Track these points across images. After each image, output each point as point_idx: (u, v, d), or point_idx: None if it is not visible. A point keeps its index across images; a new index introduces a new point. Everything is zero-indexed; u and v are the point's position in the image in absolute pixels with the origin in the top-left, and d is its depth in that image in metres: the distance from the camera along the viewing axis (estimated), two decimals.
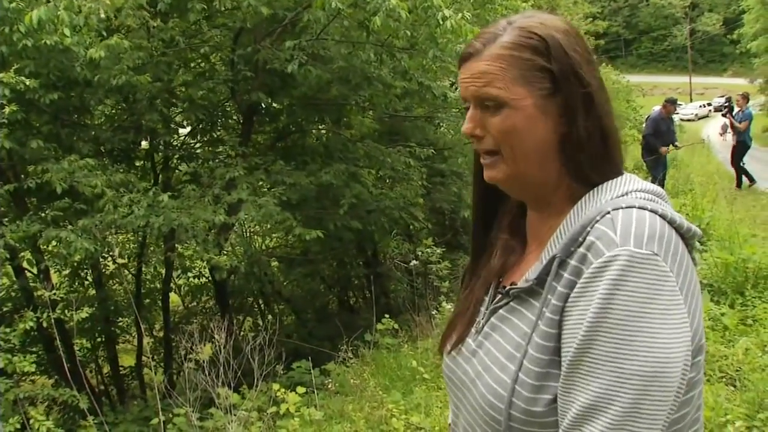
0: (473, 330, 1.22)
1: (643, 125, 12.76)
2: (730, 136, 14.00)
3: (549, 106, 1.09)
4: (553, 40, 1.08)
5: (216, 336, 9.67)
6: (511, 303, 1.14)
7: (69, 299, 9.64)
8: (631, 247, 0.96)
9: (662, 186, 10.80)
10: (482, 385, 1.12)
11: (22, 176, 7.25)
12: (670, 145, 11.91)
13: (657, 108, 12.19)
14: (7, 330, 5.80)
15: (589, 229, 1.02)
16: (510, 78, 1.08)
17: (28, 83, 5.95)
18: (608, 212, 1.01)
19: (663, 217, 1.01)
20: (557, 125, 1.09)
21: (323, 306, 12.93)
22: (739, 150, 13.78)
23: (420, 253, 7.34)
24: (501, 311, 1.16)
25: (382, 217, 9.52)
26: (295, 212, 8.53)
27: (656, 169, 11.35)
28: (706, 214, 8.30)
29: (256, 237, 12.22)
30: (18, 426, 5.20)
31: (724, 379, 4.27)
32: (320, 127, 10.20)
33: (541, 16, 1.13)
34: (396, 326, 7.03)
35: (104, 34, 6.68)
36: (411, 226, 10.67)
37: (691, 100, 53.50)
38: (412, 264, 7.68)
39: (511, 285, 1.16)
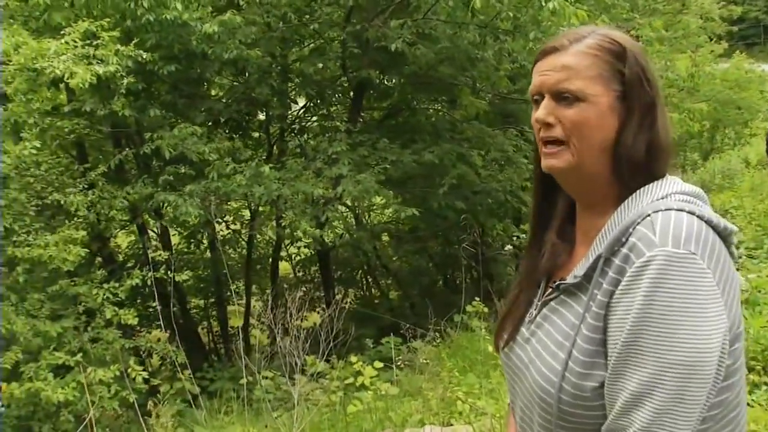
0: (527, 320, 1.33)
1: None
2: None
3: (617, 107, 1.18)
4: (629, 49, 1.20)
5: (318, 307, 9.97)
6: (561, 296, 1.25)
7: (185, 260, 10.28)
8: (669, 247, 1.05)
9: None
10: (535, 371, 1.23)
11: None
12: None
13: None
14: (116, 285, 6.24)
15: (630, 230, 1.11)
16: (591, 75, 1.18)
17: (145, 56, 6.31)
18: (648, 215, 1.11)
19: (700, 217, 1.10)
20: (617, 127, 1.18)
21: (430, 284, 12.98)
22: None
23: (515, 239, 7.23)
24: (552, 303, 1.27)
25: (489, 198, 9.45)
26: (399, 190, 8.63)
27: None
28: None
29: (368, 212, 12.42)
30: (117, 373, 5.63)
31: None
32: (431, 107, 10.20)
33: (620, 32, 1.25)
34: (486, 309, 7.00)
35: (211, 10, 6.97)
36: (521, 210, 10.51)
37: None
38: (506, 249, 7.58)
39: (561, 280, 1.26)
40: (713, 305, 1.04)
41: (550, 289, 1.29)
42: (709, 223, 1.11)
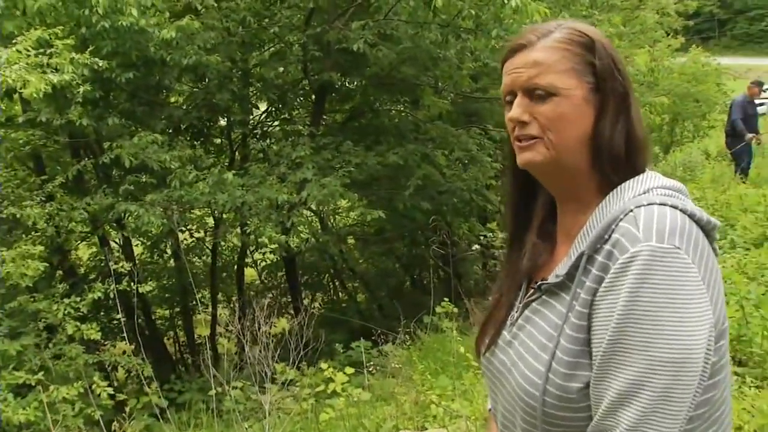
0: (508, 323, 1.30)
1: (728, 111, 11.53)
2: None
3: (592, 99, 1.17)
4: (598, 41, 1.20)
5: (285, 313, 9.86)
6: (543, 297, 1.22)
7: (149, 270, 10.12)
8: (653, 242, 1.02)
9: (746, 174, 10.24)
10: (518, 374, 1.20)
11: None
12: (755, 136, 10.77)
13: (741, 94, 11.12)
14: (77, 299, 6.09)
15: (613, 226, 1.09)
16: (563, 69, 1.17)
17: (101, 64, 6.16)
18: (631, 210, 1.08)
19: (683, 211, 1.08)
20: (593, 119, 1.17)
21: (397, 285, 12.97)
22: None
23: (482, 238, 7.21)
24: (534, 304, 1.23)
25: (454, 198, 9.45)
26: (365, 192, 8.57)
27: (741, 157, 10.62)
28: None
29: (333, 216, 12.36)
30: (81, 390, 5.48)
31: None
32: (393, 108, 10.19)
33: (586, 24, 1.25)
34: (455, 310, 6.96)
35: (169, 15, 6.87)
36: (486, 209, 10.54)
37: None
38: (474, 248, 7.57)
39: (542, 280, 1.23)
40: (699, 301, 1.02)
41: (532, 290, 1.26)
42: (692, 217, 1.09)
